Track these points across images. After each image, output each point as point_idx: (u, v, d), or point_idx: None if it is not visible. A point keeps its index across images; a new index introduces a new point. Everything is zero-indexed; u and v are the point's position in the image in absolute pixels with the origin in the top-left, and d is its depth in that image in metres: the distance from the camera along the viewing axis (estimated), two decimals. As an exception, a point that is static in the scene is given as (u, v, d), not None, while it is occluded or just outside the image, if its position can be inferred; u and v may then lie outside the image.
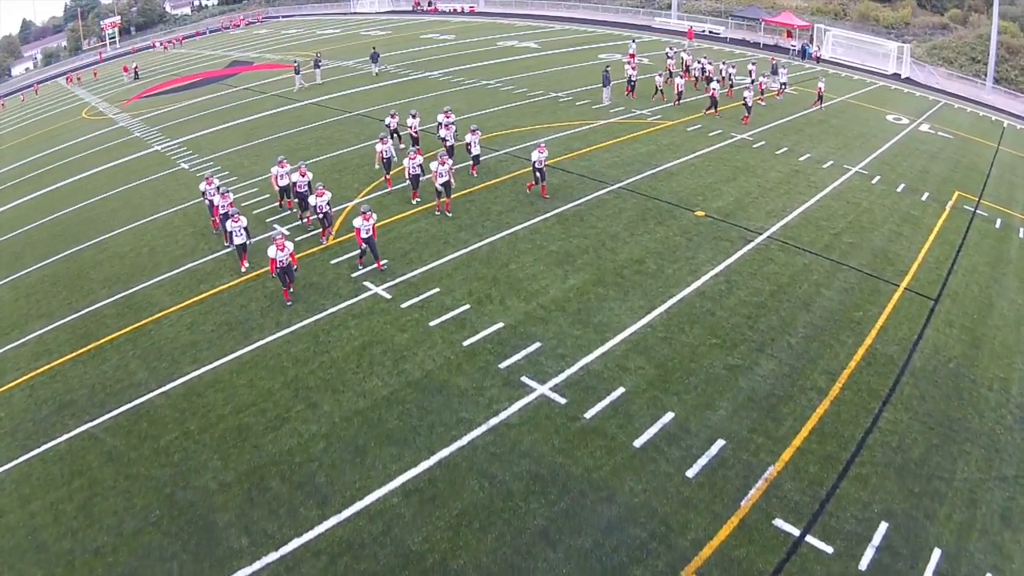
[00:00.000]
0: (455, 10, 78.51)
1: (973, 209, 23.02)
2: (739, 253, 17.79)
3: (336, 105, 34.39)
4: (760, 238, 18.70)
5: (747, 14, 61.54)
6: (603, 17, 70.48)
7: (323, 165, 24.94)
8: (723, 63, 37.36)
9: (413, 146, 21.97)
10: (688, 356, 13.66)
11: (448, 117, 23.58)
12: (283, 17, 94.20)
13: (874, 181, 24.14)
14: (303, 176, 18.92)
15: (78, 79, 63.52)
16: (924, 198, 23.20)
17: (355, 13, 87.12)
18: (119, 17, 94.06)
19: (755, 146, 26.81)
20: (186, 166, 26.95)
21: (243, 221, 17.07)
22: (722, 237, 18.63)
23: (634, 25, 65.02)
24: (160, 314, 15.89)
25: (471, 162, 22.62)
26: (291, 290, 15.76)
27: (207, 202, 19.60)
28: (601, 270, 16.80)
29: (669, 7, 67.14)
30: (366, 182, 22.91)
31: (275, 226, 19.83)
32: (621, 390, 12.60)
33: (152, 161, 28.73)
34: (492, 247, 17.97)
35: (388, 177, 22.04)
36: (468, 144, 21.95)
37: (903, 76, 47.93)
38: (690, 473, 10.86)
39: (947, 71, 51.35)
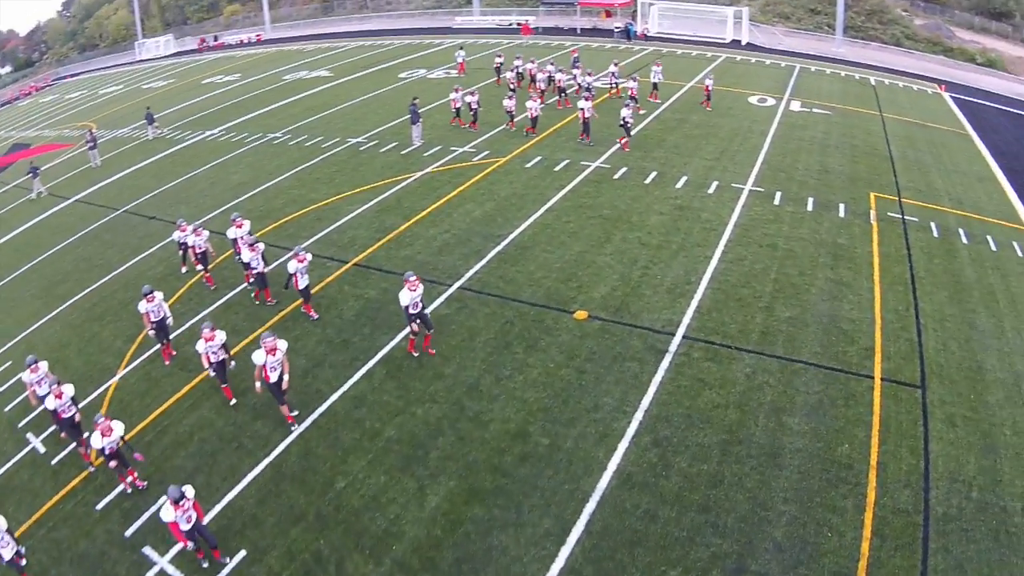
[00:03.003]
0: (241, 42, 69.03)
1: (900, 216, 18.68)
2: (656, 381, 11.91)
3: (103, 199, 25.37)
4: (675, 343, 12.90)
5: (558, -1, 56.54)
6: (398, 25, 63.77)
7: (79, 309, 17.23)
8: (576, 68, 29.97)
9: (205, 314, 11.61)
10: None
11: (240, 227, 16.05)
12: (70, 77, 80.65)
13: (776, 201, 19.15)
14: (59, 398, 11.06)
15: None
16: (842, 214, 18.54)
17: (140, 62, 75.38)
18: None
19: (616, 176, 21.03)
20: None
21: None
22: (624, 355, 12.65)
23: (433, 29, 58.62)
24: None
25: (300, 299, 14.93)
26: None
27: None
28: (471, 468, 10.43)
29: (470, 3, 61.31)
30: (130, 336, 15.21)
31: (29, 437, 12.18)
32: None
33: None
34: (305, 447, 11.18)
35: (164, 346, 14.05)
36: (292, 276, 14.17)
37: (744, 43, 44.62)
38: None
39: (786, 28, 48.68)
